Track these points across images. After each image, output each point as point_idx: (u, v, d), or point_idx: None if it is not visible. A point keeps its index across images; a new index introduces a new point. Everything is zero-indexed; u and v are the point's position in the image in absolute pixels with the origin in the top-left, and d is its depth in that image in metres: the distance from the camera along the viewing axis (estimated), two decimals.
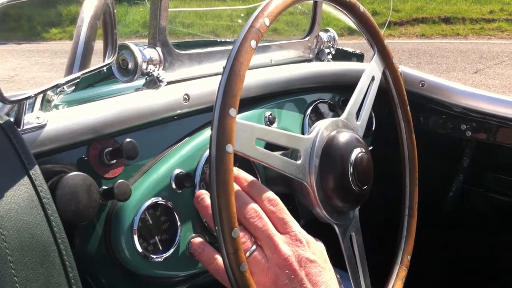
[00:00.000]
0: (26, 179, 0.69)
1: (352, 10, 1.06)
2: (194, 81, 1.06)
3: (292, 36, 1.49)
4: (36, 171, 0.70)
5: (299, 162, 0.94)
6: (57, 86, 0.78)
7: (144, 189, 0.90)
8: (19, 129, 0.75)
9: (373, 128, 1.43)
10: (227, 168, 0.77)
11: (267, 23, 0.87)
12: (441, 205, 1.52)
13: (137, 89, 0.99)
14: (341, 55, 1.52)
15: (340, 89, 1.36)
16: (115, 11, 0.91)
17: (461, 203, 1.50)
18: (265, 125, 1.13)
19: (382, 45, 1.12)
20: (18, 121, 0.76)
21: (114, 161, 0.88)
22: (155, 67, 1.00)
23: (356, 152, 1.00)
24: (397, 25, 9.21)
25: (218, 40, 1.49)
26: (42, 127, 0.79)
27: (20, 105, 0.76)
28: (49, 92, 0.85)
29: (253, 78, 1.13)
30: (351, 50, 1.58)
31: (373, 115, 1.42)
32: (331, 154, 0.98)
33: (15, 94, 0.72)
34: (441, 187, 1.51)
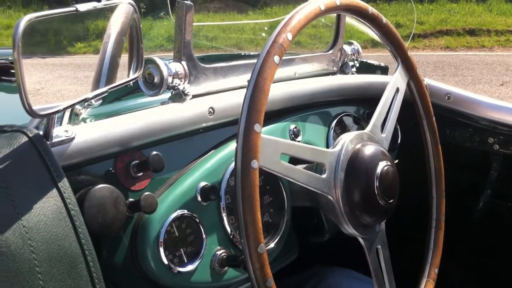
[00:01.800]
0: (54, 191, 0.70)
1: (375, 22, 1.06)
2: (219, 95, 1.07)
3: (315, 49, 1.50)
4: (64, 184, 0.72)
5: (324, 176, 0.94)
6: (85, 100, 0.80)
7: (170, 201, 0.91)
8: (48, 142, 0.76)
9: (399, 141, 1.42)
10: (253, 183, 0.77)
11: (290, 38, 0.87)
12: (469, 218, 1.50)
13: (163, 103, 1.00)
14: (365, 68, 1.51)
15: (364, 102, 1.35)
16: (141, 25, 0.92)
17: (489, 217, 1.48)
18: (290, 138, 1.13)
19: (405, 56, 1.11)
20: (47, 134, 0.77)
21: (141, 173, 0.89)
22: (181, 81, 1.01)
23: (382, 165, 0.99)
24: (421, 38, 9.15)
25: (242, 54, 1.50)
26: (70, 140, 0.80)
27: (49, 119, 0.77)
28: (77, 106, 0.86)
29: (278, 91, 1.14)
30: (375, 62, 1.57)
31: (398, 128, 1.41)
32: (356, 167, 0.97)
33: (44, 108, 0.73)
34: (469, 201, 1.49)
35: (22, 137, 0.73)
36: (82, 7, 0.77)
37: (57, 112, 0.75)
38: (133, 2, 0.90)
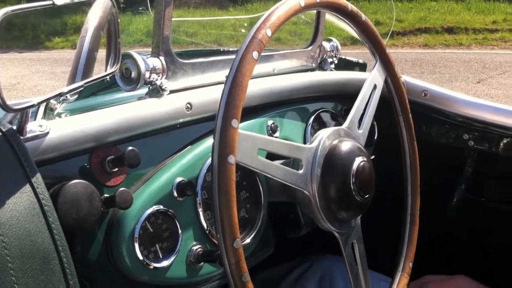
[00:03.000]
0: (27, 187, 0.69)
1: (354, 19, 1.06)
2: (197, 90, 1.07)
3: (295, 46, 1.50)
4: (38, 179, 0.71)
5: (300, 171, 0.94)
6: (60, 94, 0.79)
7: (145, 197, 0.90)
8: (21, 137, 0.75)
9: (375, 137, 1.43)
10: (229, 178, 0.77)
11: (269, 34, 0.87)
12: (443, 213, 1.52)
13: (140, 98, 0.99)
14: (344, 64, 1.52)
15: (342, 98, 1.36)
16: (119, 20, 0.91)
17: (463, 212, 1.50)
18: (267, 134, 1.13)
19: (384, 53, 1.12)
20: (20, 129, 0.76)
21: (116, 169, 0.88)
22: (158, 76, 1.00)
23: (358, 161, 1.00)
24: (400, 35, 9.23)
25: (221, 49, 1.50)
26: (44, 135, 0.79)
27: (23, 114, 0.76)
28: (52, 101, 0.85)
29: (256, 87, 1.14)
30: (354, 59, 1.58)
31: (375, 124, 1.42)
32: (333, 163, 0.98)
33: (19, 102, 0.72)
34: (443, 196, 1.51)
35: None
36: (59, 0, 0.76)
37: (31, 106, 0.74)
38: None
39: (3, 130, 0.73)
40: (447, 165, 1.52)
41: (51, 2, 0.75)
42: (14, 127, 0.75)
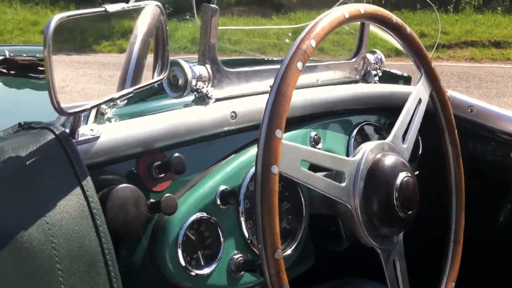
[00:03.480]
0: (78, 189, 0.71)
1: (399, 32, 1.06)
2: (242, 99, 1.08)
3: (338, 56, 1.50)
4: (88, 182, 0.73)
5: (343, 184, 0.94)
6: (111, 100, 0.81)
7: (190, 204, 0.92)
8: (74, 140, 0.77)
9: (420, 152, 1.41)
10: (272, 189, 0.78)
11: (313, 45, 0.88)
12: (489, 233, 1.48)
13: (186, 105, 1.01)
14: (388, 77, 1.51)
15: (386, 112, 1.35)
16: (167, 27, 0.93)
17: (510, 232, 1.46)
18: (310, 145, 1.13)
19: (429, 67, 1.11)
20: (73, 133, 0.79)
21: (162, 175, 0.90)
22: (204, 84, 1.01)
23: (402, 176, 0.99)
24: (446, 48, 9.07)
25: (266, 59, 1.51)
26: (95, 139, 0.81)
27: (75, 117, 0.78)
28: (103, 106, 0.87)
29: (299, 98, 1.14)
30: (398, 72, 1.57)
31: (420, 139, 1.40)
32: (376, 177, 0.97)
33: (71, 106, 0.75)
34: (489, 215, 1.47)
35: (49, 134, 0.74)
36: (111, 7, 0.78)
37: (84, 111, 0.76)
38: (160, 4, 0.91)
39: (57, 132, 0.75)
40: (493, 183, 1.49)
41: (103, 9, 0.77)
42: (67, 130, 0.78)
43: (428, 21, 9.08)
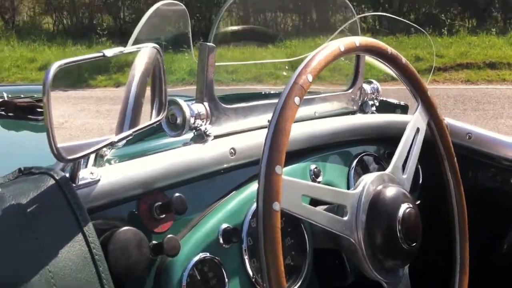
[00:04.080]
0: (79, 236, 0.71)
1: (394, 62, 1.07)
2: (240, 135, 1.08)
3: (335, 82, 1.51)
4: (89, 228, 0.73)
5: (345, 218, 0.94)
6: (111, 144, 0.81)
7: (192, 244, 0.91)
8: (74, 185, 0.77)
9: (420, 181, 1.41)
10: (275, 226, 0.78)
11: (310, 79, 0.88)
12: (493, 262, 1.47)
13: (185, 144, 1.01)
14: (385, 106, 1.52)
15: (385, 141, 1.35)
16: (164, 67, 0.94)
17: None
18: (310, 178, 1.13)
19: (425, 96, 1.12)
20: (73, 177, 0.79)
21: (164, 215, 0.90)
22: (203, 122, 1.02)
23: (404, 208, 0.99)
24: (441, 71, 9.12)
25: (263, 92, 1.52)
26: (96, 182, 0.81)
27: (75, 162, 0.78)
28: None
29: (298, 131, 1.14)
30: (395, 101, 1.57)
31: (420, 168, 1.40)
32: (378, 210, 0.97)
33: (70, 148, 0.74)
34: (492, 243, 1.46)
35: (49, 180, 0.74)
36: (109, 52, 0.79)
37: (84, 156, 0.76)
38: (157, 46, 0.91)
39: (57, 178, 0.75)
40: (495, 211, 1.48)
41: (101, 54, 0.78)
42: (67, 175, 0.78)
43: (423, 45, 9.15)
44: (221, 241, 0.94)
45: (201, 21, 11.92)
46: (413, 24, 2.31)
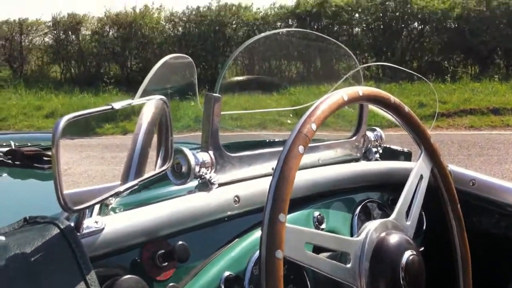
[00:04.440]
0: (82, 284, 0.71)
1: (397, 111, 1.08)
2: (244, 183, 1.09)
3: (338, 129, 1.52)
4: (92, 277, 0.73)
5: (348, 265, 0.94)
6: (116, 194, 0.82)
7: None
8: (78, 234, 0.78)
9: (424, 228, 1.41)
10: (277, 274, 0.78)
11: (314, 128, 0.90)
12: None
13: (190, 192, 1.02)
14: (389, 153, 1.53)
15: (388, 188, 1.36)
16: (171, 118, 0.95)
17: None
18: (314, 225, 1.14)
19: (429, 143, 1.13)
20: (78, 226, 0.79)
21: (166, 263, 0.90)
22: (207, 170, 1.03)
23: (407, 255, 0.99)
24: (445, 117, 9.17)
25: (267, 140, 1.53)
26: (100, 231, 0.82)
27: (80, 211, 0.79)
28: None
29: (302, 179, 1.15)
30: (399, 148, 1.59)
31: (423, 214, 1.40)
32: (381, 257, 0.97)
33: (75, 194, 0.75)
34: None
35: (54, 229, 0.75)
36: (117, 105, 0.81)
37: (90, 206, 0.77)
38: (164, 97, 0.93)
39: (62, 227, 0.76)
40: (499, 256, 1.47)
41: (110, 106, 0.80)
42: (72, 224, 0.78)
43: (426, 91, 9.23)
44: None
45: (207, 70, 12.13)
46: (416, 74, 2.36)
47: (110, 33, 14.06)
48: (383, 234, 1.01)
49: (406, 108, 1.09)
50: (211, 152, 1.04)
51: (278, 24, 13.29)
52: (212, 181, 1.03)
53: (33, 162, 1.32)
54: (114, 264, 0.85)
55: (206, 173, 1.03)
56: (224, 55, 12.98)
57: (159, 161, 0.94)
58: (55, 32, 14.54)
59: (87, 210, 0.81)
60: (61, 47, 14.28)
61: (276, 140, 1.54)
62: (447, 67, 11.50)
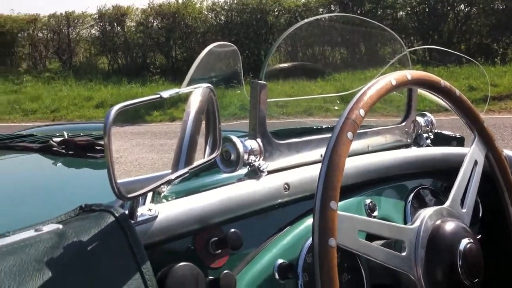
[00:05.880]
0: (137, 275, 0.72)
1: (448, 95, 1.05)
2: (293, 170, 1.08)
3: (386, 114, 1.49)
4: (147, 266, 0.74)
5: (404, 254, 0.92)
6: (168, 182, 0.83)
7: (248, 280, 0.91)
8: (132, 222, 0.79)
9: (480, 215, 1.37)
10: (331, 262, 0.77)
11: (362, 114, 0.88)
12: None
13: (240, 179, 1.02)
14: (440, 139, 1.49)
15: (441, 175, 1.33)
16: (219, 106, 0.95)
17: None
18: (366, 213, 1.12)
19: (482, 128, 1.09)
20: (132, 214, 0.80)
21: (219, 251, 0.90)
22: (256, 158, 1.03)
23: (464, 243, 0.96)
24: (496, 100, 8.89)
25: (314, 127, 1.52)
26: (153, 218, 0.83)
27: (134, 199, 0.80)
28: None
29: (352, 165, 1.14)
30: (451, 133, 1.55)
31: (479, 201, 1.36)
32: (437, 245, 0.95)
33: (128, 183, 0.76)
34: None
35: (109, 217, 0.76)
36: (166, 93, 0.81)
37: (143, 194, 0.78)
38: (211, 86, 0.93)
39: (116, 215, 0.77)
40: None
41: (158, 95, 0.80)
42: (126, 212, 0.79)
43: (475, 75, 8.98)
44: (277, 276, 0.94)
45: (250, 57, 12.12)
46: (465, 56, 2.28)
47: (154, 23, 14.24)
48: (438, 222, 0.98)
49: (457, 92, 1.06)
50: (259, 140, 1.04)
51: (320, 10, 13.16)
52: (261, 168, 1.03)
53: (86, 151, 1.35)
54: (168, 252, 0.85)
55: (255, 161, 1.03)
56: (267, 42, 12.95)
57: (207, 149, 0.95)
58: (101, 24, 14.85)
59: (140, 198, 0.82)
60: (107, 39, 14.58)
61: (324, 126, 1.52)
62: (496, 49, 11.13)
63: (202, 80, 1.04)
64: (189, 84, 1.04)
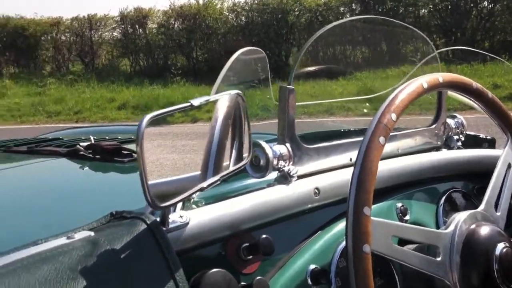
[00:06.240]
0: (171, 282, 0.72)
1: (480, 98, 1.03)
2: (323, 175, 1.07)
3: (415, 116, 1.47)
4: (180, 273, 0.73)
5: (438, 259, 0.90)
6: (200, 189, 0.82)
7: (281, 285, 0.90)
8: (164, 229, 0.79)
9: None
10: (366, 269, 0.76)
11: (394, 118, 0.87)
12: None
13: (269, 184, 1.01)
14: (472, 141, 1.47)
15: (473, 177, 1.30)
16: (248, 112, 0.94)
17: None
18: (397, 217, 1.10)
19: None
20: (163, 221, 0.80)
21: (251, 256, 0.89)
22: (285, 163, 1.02)
23: (500, 247, 0.95)
24: None
25: (342, 130, 1.50)
26: (185, 225, 0.82)
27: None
28: None
29: (382, 168, 1.11)
30: (482, 135, 1.52)
31: None
32: (473, 249, 0.93)
33: (153, 184, 0.74)
34: None
35: (141, 225, 0.76)
36: (196, 101, 0.81)
37: (176, 203, 0.78)
38: (240, 92, 0.93)
39: (148, 222, 0.77)
40: None
41: (189, 104, 0.80)
42: (158, 219, 0.79)
43: (500, 72, 8.85)
44: (309, 282, 0.93)
45: (270, 57, 12.02)
46: (491, 55, 2.25)
47: (176, 25, 14.33)
48: (473, 226, 0.96)
49: (490, 94, 1.04)
50: (288, 144, 1.03)
51: (341, 9, 13.09)
52: (291, 173, 1.02)
53: (113, 156, 1.35)
54: (199, 258, 0.85)
55: (284, 166, 1.02)
56: (288, 42, 12.93)
57: (235, 155, 0.94)
58: (123, 26, 14.99)
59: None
60: (129, 41, 14.71)
61: (352, 129, 1.51)
62: None
63: (230, 86, 1.03)
64: (217, 91, 1.03)
